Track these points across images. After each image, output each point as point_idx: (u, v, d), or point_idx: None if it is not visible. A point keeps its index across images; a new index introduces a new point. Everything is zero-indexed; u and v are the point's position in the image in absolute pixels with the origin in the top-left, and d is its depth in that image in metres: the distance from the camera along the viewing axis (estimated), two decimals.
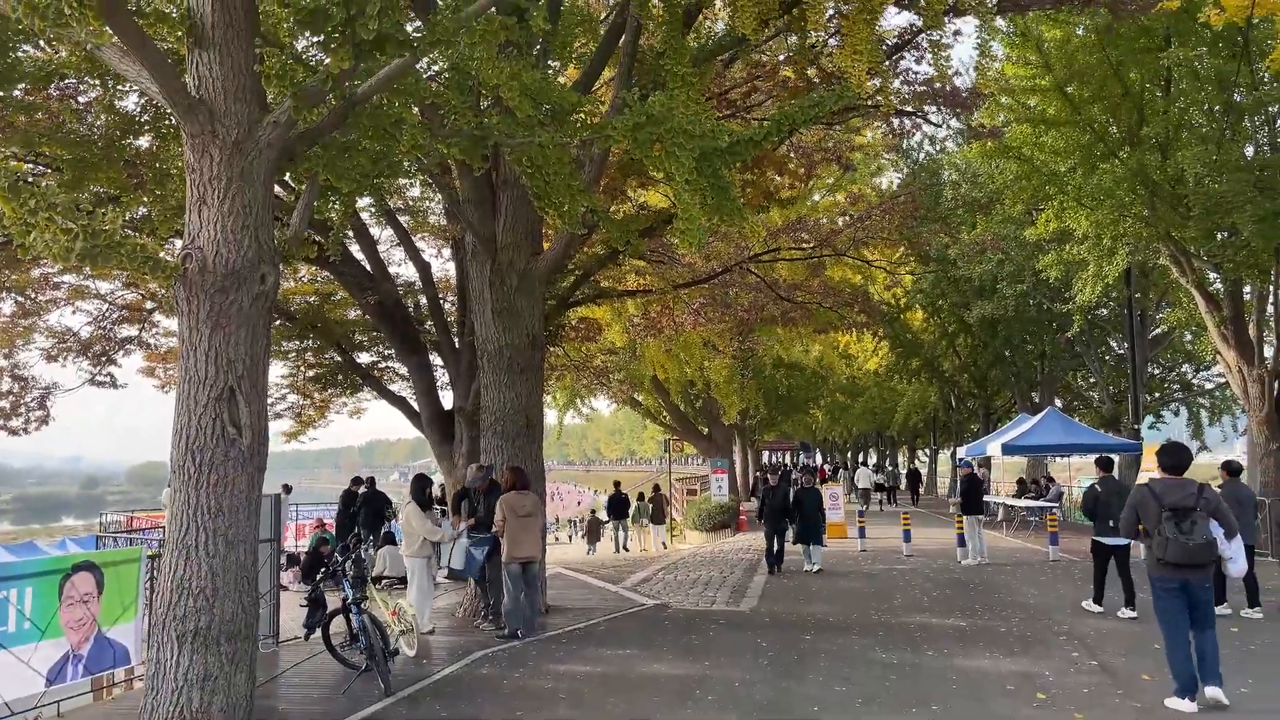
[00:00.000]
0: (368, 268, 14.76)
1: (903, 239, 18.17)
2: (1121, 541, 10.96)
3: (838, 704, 7.21)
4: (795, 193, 17.81)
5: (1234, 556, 7.00)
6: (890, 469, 51.84)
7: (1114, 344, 29.15)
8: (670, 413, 34.13)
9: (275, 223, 6.83)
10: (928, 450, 53.24)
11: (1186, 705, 6.77)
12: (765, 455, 48.23)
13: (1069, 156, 18.43)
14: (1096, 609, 11.07)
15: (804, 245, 16.95)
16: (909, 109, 13.41)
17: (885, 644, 9.43)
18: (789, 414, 41.46)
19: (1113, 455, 13.88)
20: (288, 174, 8.32)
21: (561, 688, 7.83)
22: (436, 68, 10.12)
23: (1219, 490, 8.39)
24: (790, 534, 15.89)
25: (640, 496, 28.33)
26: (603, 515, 31.17)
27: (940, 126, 20.30)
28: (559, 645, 9.65)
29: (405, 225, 16.14)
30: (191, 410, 5.98)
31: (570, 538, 41.62)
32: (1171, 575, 6.87)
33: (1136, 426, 21.88)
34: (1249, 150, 16.73)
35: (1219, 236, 17.39)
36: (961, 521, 16.62)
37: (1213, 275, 18.71)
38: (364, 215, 15.11)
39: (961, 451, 26.23)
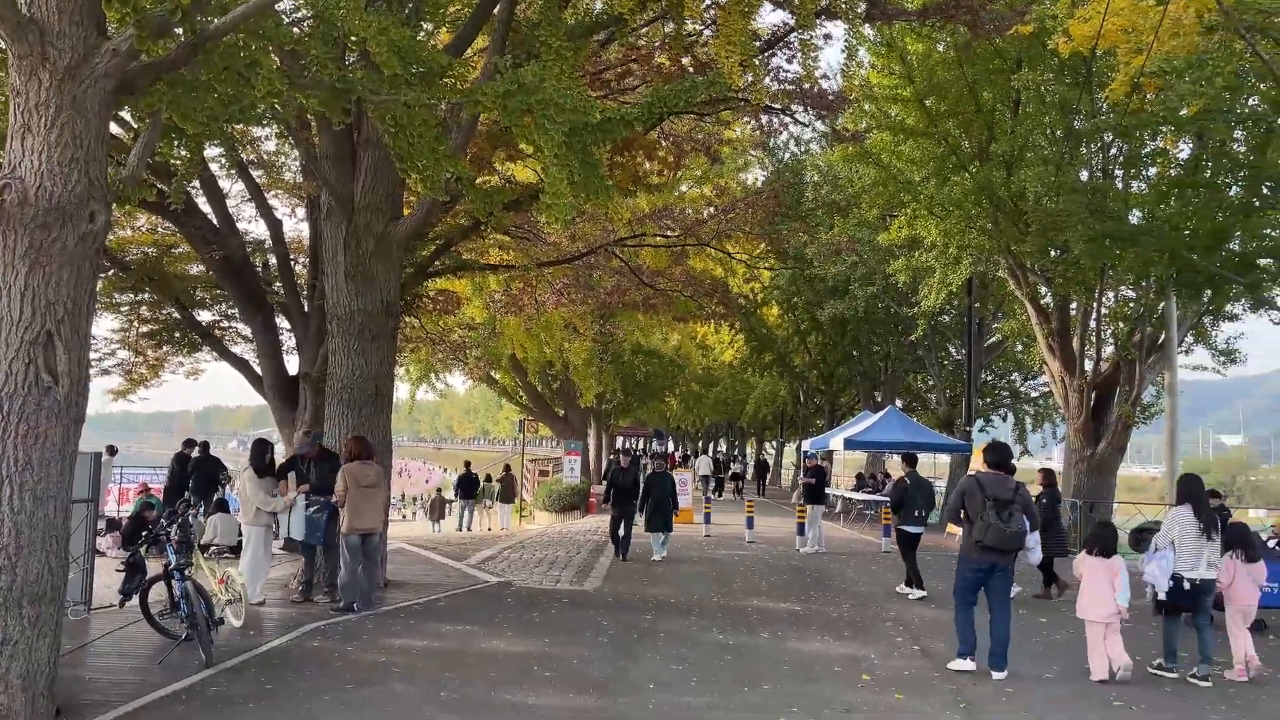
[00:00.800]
0: (214, 221, 14.00)
1: (764, 235, 18.56)
2: (920, 529, 12.27)
3: (673, 682, 7.32)
4: (663, 180, 17.89)
5: (1033, 547, 8.03)
6: (741, 459, 53.16)
7: (953, 350, 30.65)
8: (527, 393, 33.90)
9: (111, 161, 6.36)
10: (775, 442, 54.82)
11: (968, 664, 7.74)
12: (620, 440, 48.67)
13: (924, 166, 19.25)
14: (920, 594, 11.69)
15: (669, 233, 17.09)
16: (777, 106, 13.66)
17: (723, 626, 9.65)
18: (645, 400, 41.88)
19: (917, 453, 14.83)
20: (128, 110, 7.78)
21: (396, 662, 7.65)
22: (301, 14, 9.66)
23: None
24: (640, 519, 15.88)
25: (488, 477, 28.05)
26: (449, 494, 30.70)
27: (806, 126, 20.71)
28: (396, 620, 9.42)
29: (258, 180, 15.37)
30: (1, 354, 5.51)
31: (415, 515, 40.88)
32: (983, 559, 7.71)
33: (968, 429, 23.15)
34: (1084, 174, 17.82)
35: (1052, 253, 18.50)
36: (804, 511, 17.18)
37: (1044, 289, 19.90)
38: (214, 166, 14.32)
39: (807, 444, 27.14)
